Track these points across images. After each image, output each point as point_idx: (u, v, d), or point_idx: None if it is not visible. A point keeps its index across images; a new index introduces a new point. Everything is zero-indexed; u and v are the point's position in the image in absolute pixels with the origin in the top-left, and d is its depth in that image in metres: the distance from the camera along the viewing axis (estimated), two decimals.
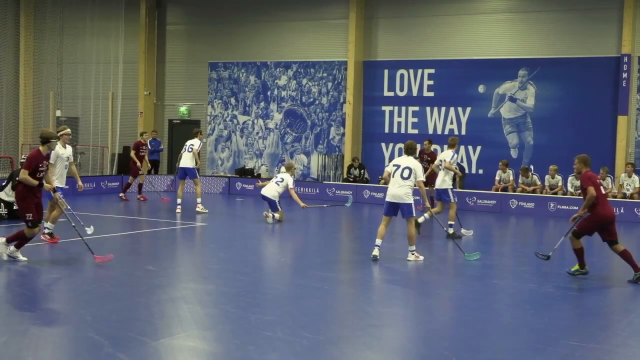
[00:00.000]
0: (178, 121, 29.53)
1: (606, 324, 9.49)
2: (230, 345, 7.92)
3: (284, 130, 27.61)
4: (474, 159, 24.80)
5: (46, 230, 13.66)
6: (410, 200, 12.54)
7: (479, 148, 24.74)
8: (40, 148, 11.52)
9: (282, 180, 17.79)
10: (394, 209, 12.66)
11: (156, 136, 27.75)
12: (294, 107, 27.47)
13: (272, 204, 17.60)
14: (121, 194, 23.31)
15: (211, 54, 28.75)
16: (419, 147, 15.53)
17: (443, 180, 16.16)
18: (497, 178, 23.38)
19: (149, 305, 9.42)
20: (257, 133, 28.07)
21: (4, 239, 11.03)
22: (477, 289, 11.44)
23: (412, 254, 12.66)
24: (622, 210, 20.95)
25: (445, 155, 16.55)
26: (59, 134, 13.70)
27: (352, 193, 23.25)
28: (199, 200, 19.60)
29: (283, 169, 18.39)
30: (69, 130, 14.12)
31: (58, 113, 29.85)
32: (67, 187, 14.48)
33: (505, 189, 22.82)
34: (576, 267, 12.37)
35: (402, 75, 25.73)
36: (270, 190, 17.70)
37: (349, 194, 22.54)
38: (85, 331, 8.08)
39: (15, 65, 30.57)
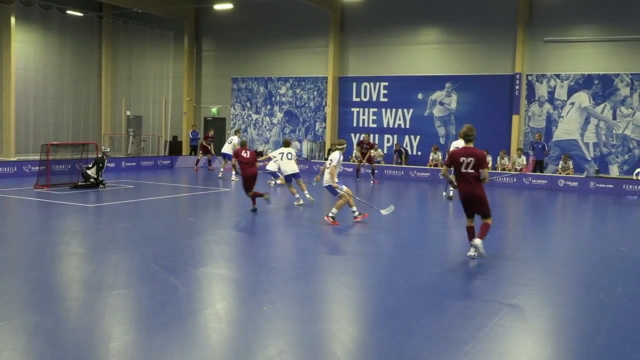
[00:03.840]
0: (210, 118, 29.30)
1: (502, 255, 9.55)
2: (247, 273, 7.91)
3: (284, 124, 27.45)
4: (415, 144, 24.76)
5: (330, 214, 11.91)
6: (297, 170, 14.82)
7: (418, 137, 24.70)
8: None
9: (275, 157, 17.89)
10: (291, 178, 14.79)
11: (195, 129, 27.60)
12: (291, 108, 27.29)
13: (274, 175, 17.78)
14: (195, 168, 24.46)
15: (233, 71, 28.46)
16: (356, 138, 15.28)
17: None
18: (430, 158, 23.37)
19: (190, 245, 9.40)
20: (265, 126, 27.91)
21: (480, 241, 8.53)
22: (414, 234, 11.48)
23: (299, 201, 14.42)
24: (514, 180, 21.05)
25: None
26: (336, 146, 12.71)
27: None
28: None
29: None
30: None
31: (128, 113, 29.64)
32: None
33: (436, 166, 22.83)
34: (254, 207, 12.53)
35: (365, 87, 25.59)
36: (271, 165, 17.82)
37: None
38: (147, 262, 8.06)
39: (98, 79, 30.24)
